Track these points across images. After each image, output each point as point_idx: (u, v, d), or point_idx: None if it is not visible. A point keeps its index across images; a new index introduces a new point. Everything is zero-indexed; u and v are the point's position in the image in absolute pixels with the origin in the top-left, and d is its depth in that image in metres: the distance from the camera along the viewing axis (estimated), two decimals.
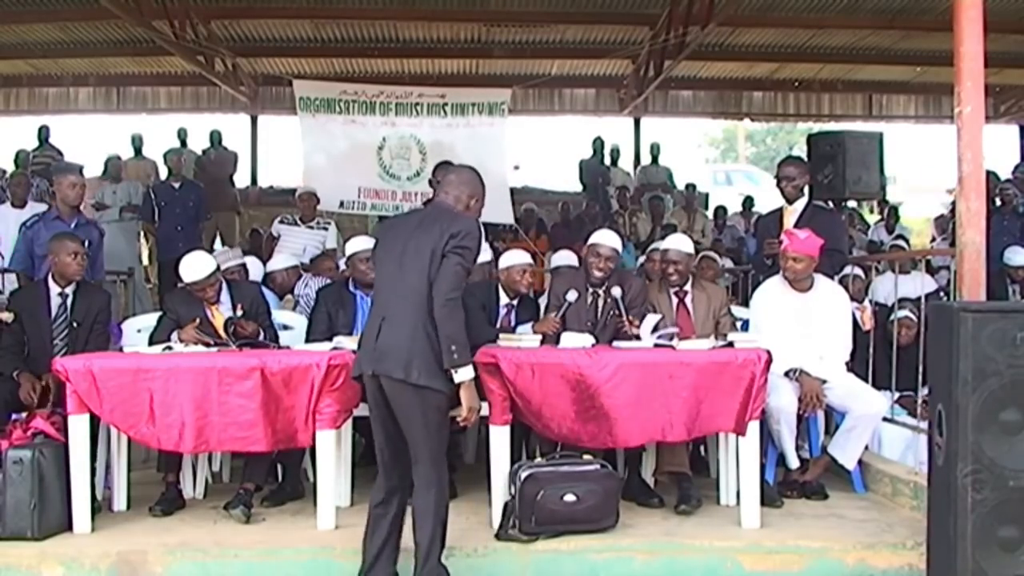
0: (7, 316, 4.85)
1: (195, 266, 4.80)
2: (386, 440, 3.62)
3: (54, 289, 4.95)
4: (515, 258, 5.23)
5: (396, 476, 3.62)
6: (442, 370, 3.45)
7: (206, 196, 9.36)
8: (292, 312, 5.83)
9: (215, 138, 11.40)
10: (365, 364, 3.56)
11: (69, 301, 4.95)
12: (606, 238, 4.85)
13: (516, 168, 19.36)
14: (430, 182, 6.20)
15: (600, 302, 4.83)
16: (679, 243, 5.15)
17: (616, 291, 4.73)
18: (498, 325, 5.09)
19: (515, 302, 5.20)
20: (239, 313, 4.87)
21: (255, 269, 6.17)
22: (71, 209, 5.80)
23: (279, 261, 6.41)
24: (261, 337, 4.83)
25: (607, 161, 12.26)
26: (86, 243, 5.70)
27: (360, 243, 5.33)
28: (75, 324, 4.92)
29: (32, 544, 3.96)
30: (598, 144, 12.15)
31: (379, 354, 3.50)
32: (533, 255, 9.44)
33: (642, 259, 7.12)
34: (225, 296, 4.94)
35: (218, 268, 4.93)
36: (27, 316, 4.89)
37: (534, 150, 20.53)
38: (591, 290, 4.84)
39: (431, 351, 3.44)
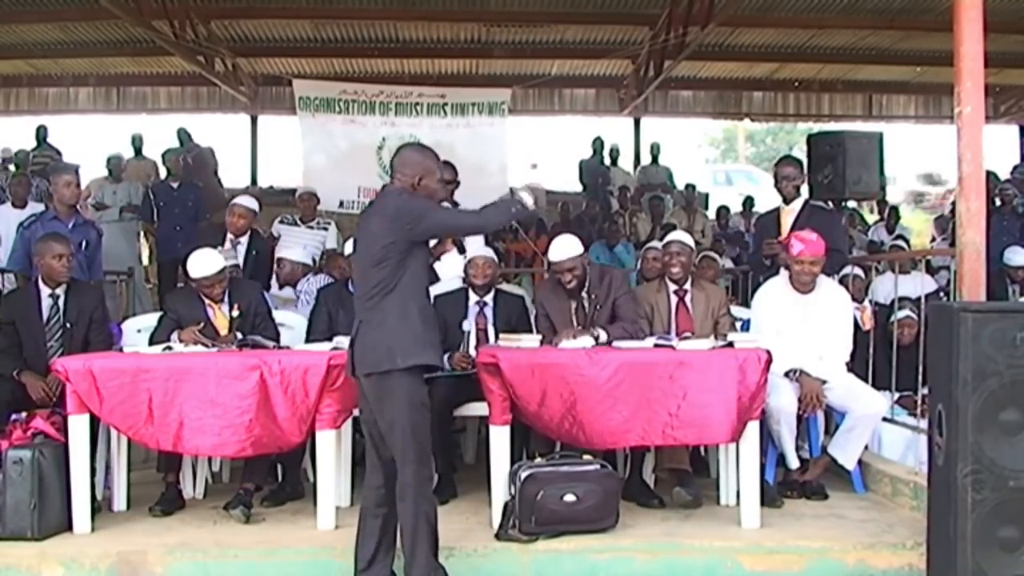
0: None
1: (204, 262, 4.80)
2: (374, 440, 3.65)
3: (44, 291, 4.91)
4: (473, 251, 5.18)
5: (383, 476, 3.64)
6: (422, 344, 3.49)
7: (205, 196, 9.34)
8: (292, 312, 5.83)
9: (182, 136, 11.21)
10: (349, 366, 3.65)
11: (61, 302, 4.92)
12: (560, 251, 4.75)
13: (534, 167, 19.43)
14: None
15: (586, 304, 4.81)
16: (680, 235, 5.22)
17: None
18: (471, 324, 5.09)
19: (487, 299, 5.18)
20: (236, 313, 4.87)
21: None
22: (68, 209, 5.80)
23: (296, 254, 6.41)
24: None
25: (607, 161, 12.26)
26: (83, 243, 5.71)
27: None
28: (68, 325, 4.90)
29: (32, 544, 3.96)
30: (598, 144, 12.15)
31: (361, 356, 3.56)
32: (533, 255, 9.49)
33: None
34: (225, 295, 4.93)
35: (226, 267, 4.93)
36: (20, 319, 4.86)
37: (534, 150, 20.54)
38: (572, 299, 4.83)
39: (410, 333, 3.48)
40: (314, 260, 7.23)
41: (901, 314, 5.48)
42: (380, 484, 3.65)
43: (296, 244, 7.04)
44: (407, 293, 3.52)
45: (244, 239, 6.17)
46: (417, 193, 3.59)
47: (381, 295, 3.51)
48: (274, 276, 6.42)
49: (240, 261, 6.03)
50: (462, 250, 5.49)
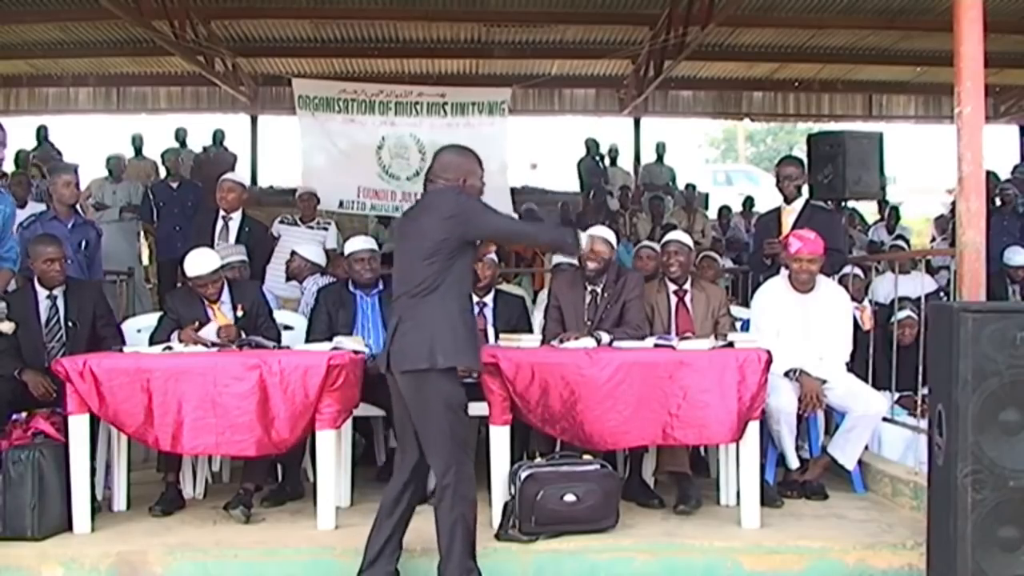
0: (7, 327, 4.69)
1: (200, 262, 4.80)
2: (404, 437, 3.65)
3: (41, 293, 4.89)
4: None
5: (408, 476, 3.65)
6: (463, 348, 3.48)
7: (205, 196, 9.35)
8: (292, 312, 5.84)
9: (218, 137, 11.41)
10: (383, 362, 3.60)
11: (60, 302, 4.90)
12: (596, 230, 4.84)
13: (534, 167, 19.41)
14: None
15: (598, 299, 4.83)
16: (679, 235, 5.23)
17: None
18: None
19: (487, 299, 5.17)
20: (240, 314, 4.87)
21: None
22: (68, 208, 5.79)
23: (311, 252, 6.42)
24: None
25: (606, 161, 12.29)
26: (83, 243, 5.69)
27: (357, 243, 5.35)
28: (71, 324, 4.88)
29: (32, 544, 3.96)
30: (591, 144, 12.17)
31: (399, 353, 3.52)
32: (533, 255, 9.49)
33: None
34: (226, 295, 4.93)
35: (222, 266, 4.93)
36: (18, 321, 4.84)
37: (534, 150, 20.54)
38: (588, 288, 4.85)
39: (451, 333, 3.47)
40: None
41: (902, 314, 5.48)
42: (403, 484, 3.65)
43: (313, 242, 7.07)
44: (451, 293, 3.50)
45: (236, 215, 6.22)
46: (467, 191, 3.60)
47: (425, 293, 3.49)
48: (273, 262, 6.46)
49: (233, 238, 6.07)
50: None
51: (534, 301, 6.60)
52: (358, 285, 5.21)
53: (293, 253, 6.38)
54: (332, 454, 4.22)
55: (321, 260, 6.44)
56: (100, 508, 4.43)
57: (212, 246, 5.70)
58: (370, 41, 11.55)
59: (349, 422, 4.53)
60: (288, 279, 6.39)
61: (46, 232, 5.28)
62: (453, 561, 3.52)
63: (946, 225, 10.44)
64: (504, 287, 5.84)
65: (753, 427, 4.19)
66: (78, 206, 6.07)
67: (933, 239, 11.70)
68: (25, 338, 4.82)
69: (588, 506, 4.03)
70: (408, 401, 3.55)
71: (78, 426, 4.14)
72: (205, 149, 11.26)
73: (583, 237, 3.70)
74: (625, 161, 12.99)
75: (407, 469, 3.65)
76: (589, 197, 11.04)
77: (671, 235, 5.27)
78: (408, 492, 3.65)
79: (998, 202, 8.53)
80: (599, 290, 4.84)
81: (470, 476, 3.56)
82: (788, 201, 5.48)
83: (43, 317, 4.89)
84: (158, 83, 13.20)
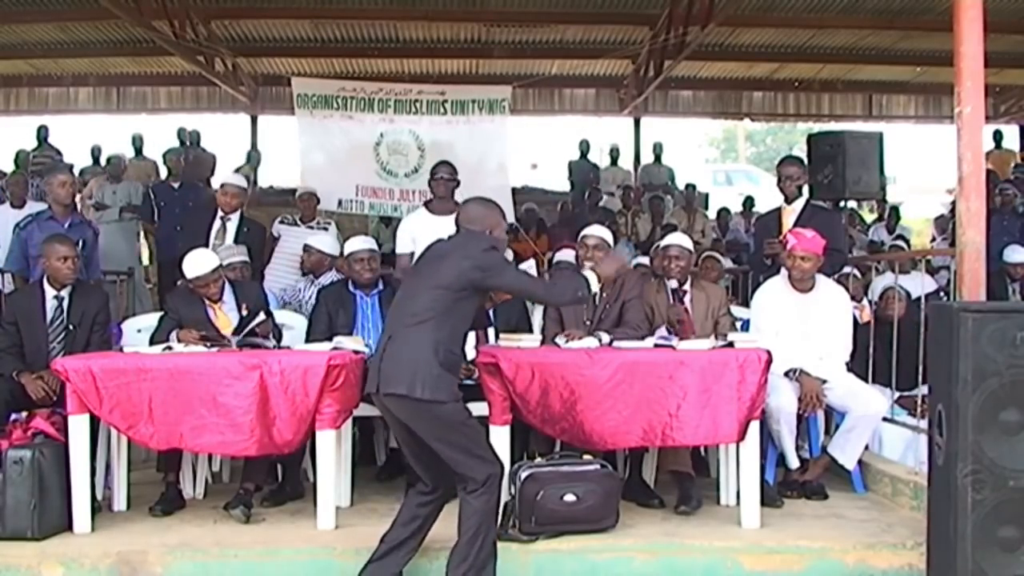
0: None
1: (198, 262, 4.80)
2: (412, 451, 3.68)
3: (49, 292, 4.89)
4: None
5: (430, 482, 3.67)
6: (446, 383, 3.51)
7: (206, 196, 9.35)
8: (292, 312, 5.83)
9: (193, 137, 11.43)
10: (371, 383, 3.63)
11: (65, 303, 4.90)
12: (593, 229, 4.90)
13: (534, 167, 19.43)
14: (429, 182, 6.21)
15: (597, 299, 4.82)
16: (679, 239, 5.21)
17: None
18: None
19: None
20: (244, 314, 4.86)
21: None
22: (64, 208, 5.79)
23: (326, 244, 6.41)
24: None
25: (606, 162, 12.28)
26: (80, 243, 5.69)
27: (357, 243, 5.35)
28: (71, 327, 4.88)
29: (32, 544, 3.96)
30: (584, 146, 12.19)
31: (384, 373, 3.55)
32: (534, 255, 9.48)
33: (643, 259, 7.11)
34: (228, 296, 4.93)
35: (220, 265, 4.93)
36: (23, 319, 4.85)
37: (534, 150, 20.57)
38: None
39: (437, 365, 3.49)
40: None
41: (881, 287, 5.47)
42: (426, 490, 3.68)
43: (326, 234, 7.07)
44: (445, 331, 3.55)
45: (235, 216, 6.29)
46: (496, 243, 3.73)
47: (423, 320, 3.53)
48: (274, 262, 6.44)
49: (231, 238, 6.11)
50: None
51: None
52: (358, 285, 5.21)
53: (307, 247, 6.38)
54: (332, 454, 4.22)
55: (335, 250, 6.42)
56: (100, 508, 4.43)
57: (207, 246, 5.71)
58: (370, 41, 11.56)
59: (349, 422, 4.52)
60: (305, 274, 6.40)
61: (57, 231, 5.29)
62: (471, 557, 3.52)
63: (946, 225, 10.45)
64: None
65: (753, 427, 4.19)
66: (77, 205, 6.07)
67: (933, 239, 11.71)
68: (28, 336, 4.84)
69: (588, 506, 4.03)
70: (411, 425, 3.58)
71: (78, 426, 4.14)
72: (185, 150, 11.24)
73: (593, 282, 3.83)
74: (625, 161, 12.99)
75: (426, 476, 3.67)
76: (584, 197, 11.06)
77: (671, 238, 5.24)
78: (432, 499, 3.68)
79: (998, 202, 8.52)
80: (598, 290, 4.83)
81: (495, 472, 3.58)
82: (789, 201, 5.48)
83: (48, 316, 4.88)
84: (158, 83, 13.21)
